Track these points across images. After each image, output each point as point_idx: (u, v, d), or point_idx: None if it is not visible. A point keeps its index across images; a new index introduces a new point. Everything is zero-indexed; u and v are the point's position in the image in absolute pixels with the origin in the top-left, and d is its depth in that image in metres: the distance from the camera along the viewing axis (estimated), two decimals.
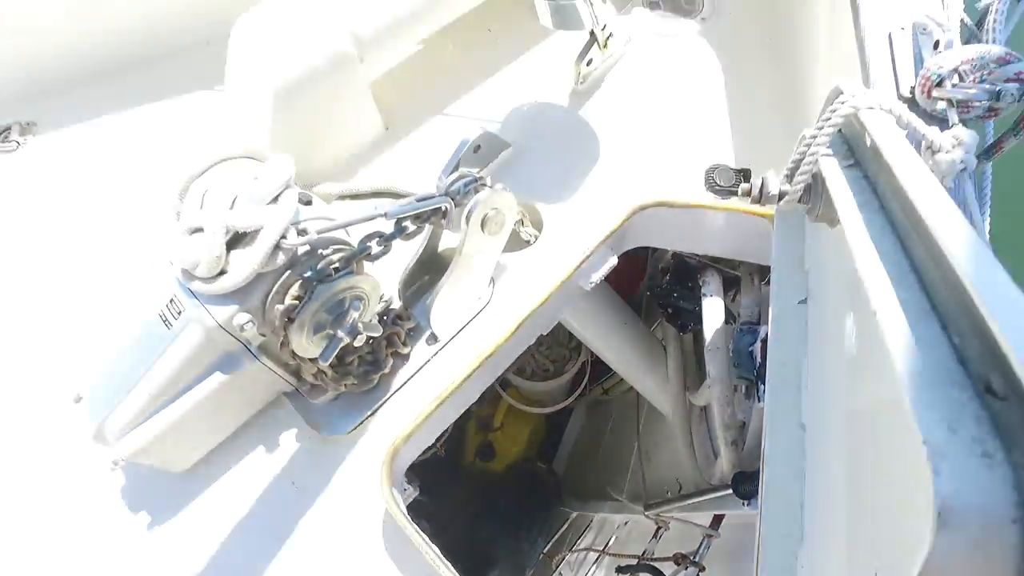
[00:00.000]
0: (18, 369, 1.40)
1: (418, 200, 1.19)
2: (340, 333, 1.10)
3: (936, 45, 0.97)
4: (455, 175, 1.26)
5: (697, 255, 1.62)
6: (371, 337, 1.17)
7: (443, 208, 1.21)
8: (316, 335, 1.12)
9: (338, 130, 1.52)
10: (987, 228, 1.34)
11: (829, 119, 0.83)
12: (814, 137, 0.85)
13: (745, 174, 1.49)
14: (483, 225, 1.25)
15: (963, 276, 0.49)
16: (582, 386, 3.08)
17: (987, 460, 0.41)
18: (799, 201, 0.89)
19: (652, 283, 1.83)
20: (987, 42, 1.36)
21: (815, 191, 0.87)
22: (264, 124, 1.38)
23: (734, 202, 1.43)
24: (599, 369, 2.97)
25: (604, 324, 1.83)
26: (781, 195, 0.89)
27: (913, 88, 0.98)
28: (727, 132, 1.57)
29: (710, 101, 1.62)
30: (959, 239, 0.51)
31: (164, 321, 1.10)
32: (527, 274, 1.38)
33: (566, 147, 1.55)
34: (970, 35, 1.57)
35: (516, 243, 1.41)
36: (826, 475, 0.90)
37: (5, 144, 1.84)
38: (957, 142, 0.81)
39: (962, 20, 1.20)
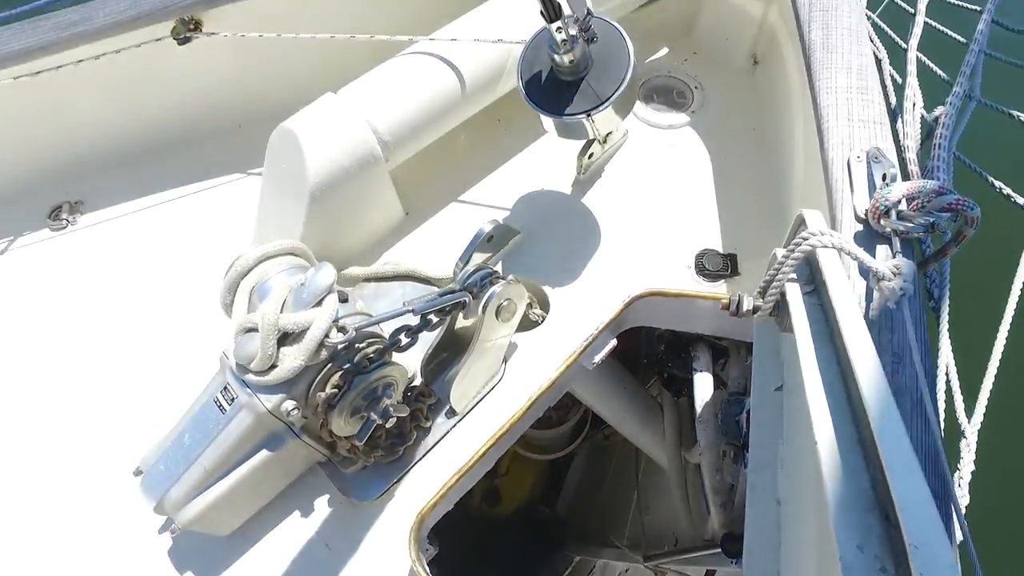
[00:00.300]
0: (76, 443, 1.55)
1: (440, 295, 1.36)
2: (374, 416, 1.26)
3: (884, 177, 1.14)
4: (472, 268, 1.43)
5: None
6: (400, 417, 1.33)
7: (463, 301, 1.37)
8: (352, 417, 1.27)
9: (364, 218, 1.69)
10: (946, 313, 1.51)
11: (794, 251, 0.99)
12: (782, 263, 1.02)
13: (731, 258, 1.67)
14: (497, 314, 1.42)
15: (872, 422, 0.64)
16: (583, 433, 3.22)
17: (883, 574, 0.56)
18: (770, 315, 1.05)
19: (648, 351, 1.99)
20: (936, 146, 1.56)
21: (783, 308, 1.04)
22: (299, 219, 1.55)
23: (721, 288, 1.60)
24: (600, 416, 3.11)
25: (605, 389, 1.99)
26: (755, 309, 1.06)
27: (867, 211, 1.15)
28: (715, 217, 1.74)
29: (700, 187, 1.80)
30: (873, 391, 0.67)
31: (219, 407, 1.25)
32: (536, 352, 1.54)
33: (570, 233, 1.72)
34: (928, 132, 1.76)
35: (526, 323, 1.57)
36: (798, 549, 1.05)
37: (56, 222, 2.02)
38: (897, 272, 0.98)
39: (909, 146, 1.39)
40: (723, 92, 1.99)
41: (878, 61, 2.07)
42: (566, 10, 1.28)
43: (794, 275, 1.01)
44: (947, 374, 1.47)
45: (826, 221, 1.18)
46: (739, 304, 1.06)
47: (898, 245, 1.08)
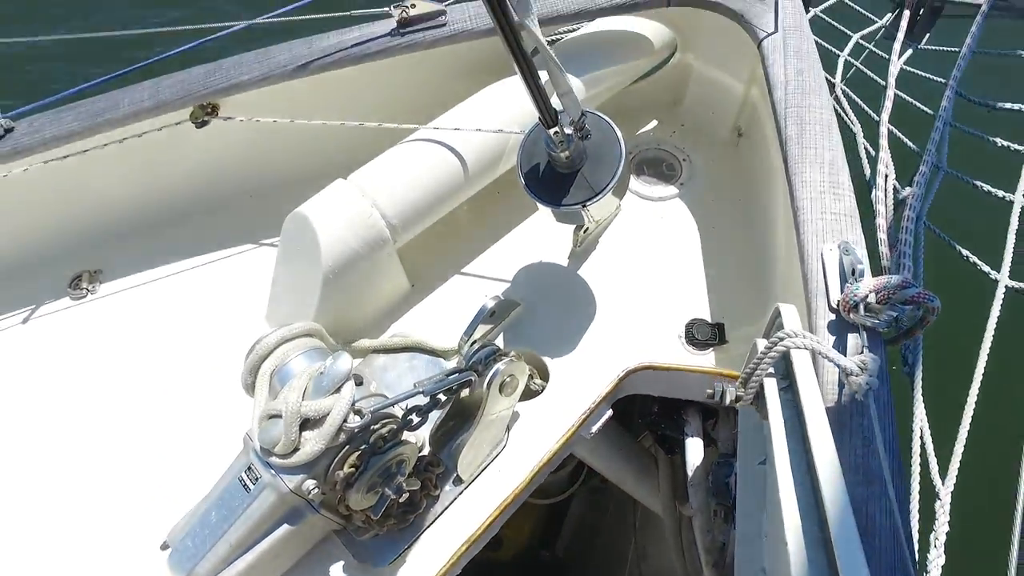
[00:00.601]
0: (102, 516, 1.63)
1: (448, 374, 1.46)
2: (388, 492, 1.35)
3: (853, 272, 1.26)
4: (477, 346, 1.54)
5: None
6: (412, 490, 1.42)
7: (470, 380, 1.48)
8: (368, 493, 1.36)
9: (372, 294, 1.80)
10: (919, 378, 1.61)
11: (771, 349, 1.10)
12: (761, 357, 1.13)
13: (719, 328, 1.78)
14: (501, 389, 1.52)
15: (832, 530, 0.75)
16: (581, 477, 3.29)
17: None
18: (751, 404, 1.16)
19: (642, 410, 2.09)
20: (906, 218, 1.68)
21: (762, 399, 1.14)
22: (313, 299, 1.66)
23: (710, 357, 1.71)
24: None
25: (601, 448, 2.07)
26: (737, 399, 1.16)
27: (839, 302, 1.26)
28: (703, 286, 1.86)
29: (689, 258, 1.91)
30: (833, 500, 0.78)
31: (244, 486, 1.35)
32: (537, 422, 1.64)
33: (567, 304, 1.83)
34: (900, 202, 1.89)
35: (527, 392, 1.67)
36: None
37: (76, 291, 2.11)
38: (864, 367, 1.09)
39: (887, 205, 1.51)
40: (710, 164, 2.12)
41: (852, 134, 2.22)
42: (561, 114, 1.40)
43: (772, 370, 1.12)
44: (921, 437, 1.57)
45: (802, 311, 1.30)
46: (722, 395, 1.16)
47: (866, 338, 1.19)
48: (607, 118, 1.52)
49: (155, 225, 2.19)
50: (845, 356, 1.18)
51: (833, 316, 1.27)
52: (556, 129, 1.36)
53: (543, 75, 1.31)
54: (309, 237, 1.63)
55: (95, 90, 1.95)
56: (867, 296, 1.20)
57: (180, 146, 2.02)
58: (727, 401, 1.16)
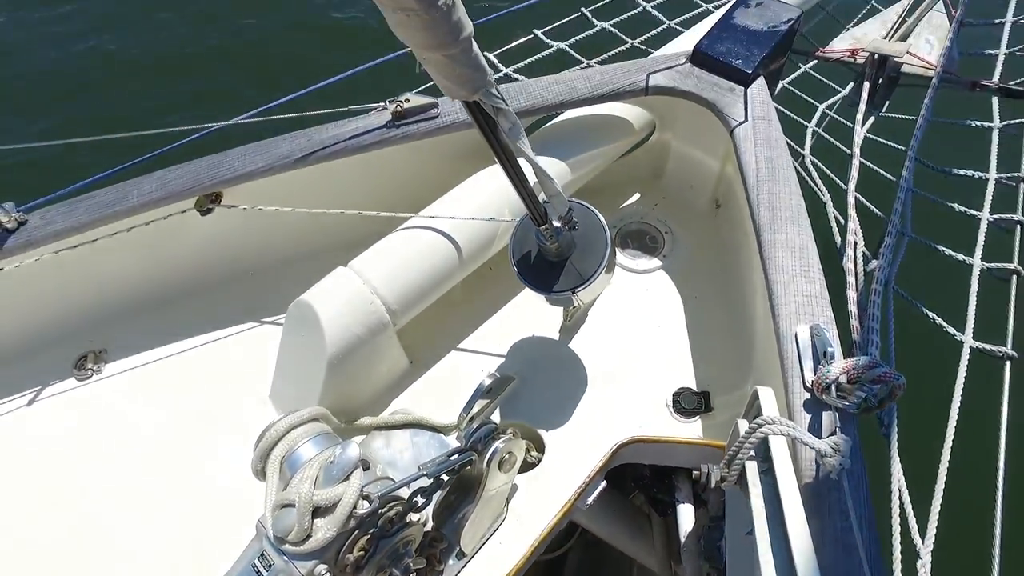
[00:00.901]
0: None
1: (449, 455, 1.54)
2: (396, 573, 1.42)
3: (825, 354, 1.36)
4: (476, 425, 1.62)
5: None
6: (418, 569, 1.48)
7: (470, 460, 1.55)
8: (378, 575, 1.43)
9: (373, 373, 1.88)
10: (895, 438, 1.71)
11: (751, 434, 1.19)
12: (742, 441, 1.22)
13: (705, 396, 1.87)
14: (500, 466, 1.60)
15: None
16: (578, 532, 3.33)
17: None
18: (735, 485, 1.24)
19: (635, 474, 2.16)
20: (874, 292, 1.79)
21: (744, 480, 1.23)
22: (318, 383, 1.74)
23: (697, 425, 1.80)
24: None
25: (596, 512, 2.14)
26: (723, 479, 1.25)
27: (813, 383, 1.36)
28: (688, 356, 1.96)
29: (674, 328, 2.02)
30: (805, 568, 0.86)
31: (257, 572, 1.40)
32: (535, 495, 1.71)
33: (560, 377, 1.92)
34: (867, 273, 2.00)
35: (524, 465, 1.75)
36: None
37: (82, 372, 2.17)
38: (836, 449, 1.19)
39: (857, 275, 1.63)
40: (690, 235, 2.24)
41: (823, 204, 2.36)
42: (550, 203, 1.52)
43: (753, 452, 1.21)
44: (900, 497, 1.66)
45: (779, 390, 1.40)
46: (708, 477, 1.25)
47: (838, 418, 1.29)
48: (593, 208, 1.63)
49: (158, 304, 2.26)
50: (821, 434, 1.29)
51: (808, 395, 1.37)
52: (546, 225, 1.47)
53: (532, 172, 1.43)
54: (313, 324, 1.71)
55: (104, 181, 2.05)
56: (838, 378, 1.30)
57: (185, 231, 2.11)
58: (713, 483, 1.24)
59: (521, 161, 1.25)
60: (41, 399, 2.12)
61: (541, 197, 1.48)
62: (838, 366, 1.31)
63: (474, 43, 0.91)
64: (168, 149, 2.08)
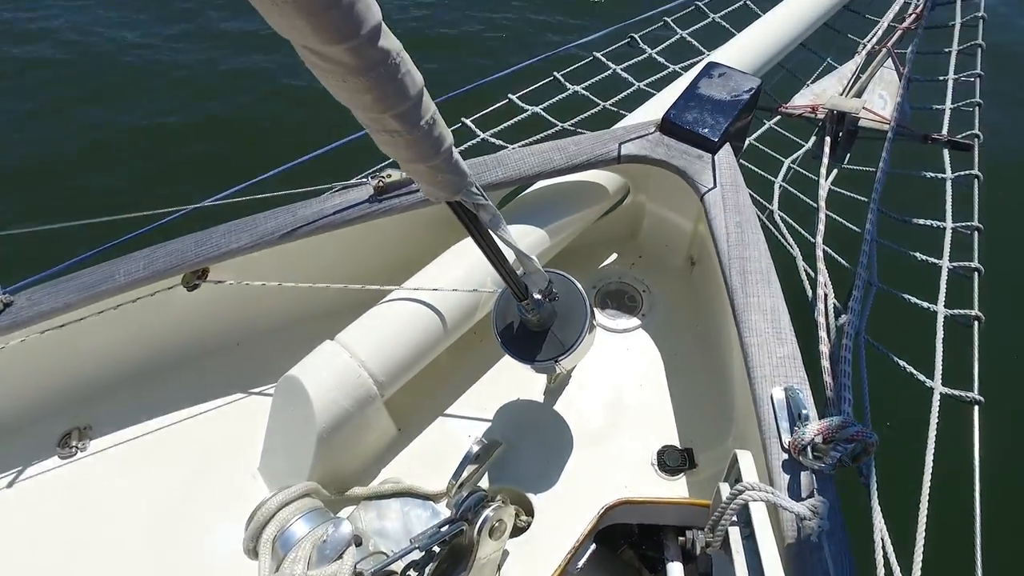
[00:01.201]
0: None
1: (440, 527, 1.55)
2: None
3: (799, 416, 1.42)
4: (465, 493, 1.64)
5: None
6: None
7: (461, 530, 1.57)
8: None
9: (362, 444, 1.90)
10: (874, 487, 1.76)
11: (733, 500, 1.24)
12: (725, 506, 1.26)
13: (688, 452, 1.91)
14: (491, 534, 1.62)
15: None
16: None
17: None
18: (719, 549, 1.28)
19: (624, 531, 2.18)
20: (843, 347, 1.86)
21: (727, 544, 1.27)
22: (308, 457, 1.75)
23: (682, 482, 1.84)
24: None
25: (589, 574, 2.16)
26: (708, 544, 1.29)
27: (790, 444, 1.42)
28: (670, 414, 2.01)
29: (655, 386, 2.07)
30: None
31: None
32: (526, 559, 1.73)
33: (546, 440, 1.95)
34: (838, 328, 2.07)
35: (514, 530, 1.76)
36: None
37: (65, 450, 2.15)
38: (815, 511, 1.23)
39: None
40: (668, 293, 2.31)
41: (792, 258, 2.46)
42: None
43: (735, 517, 1.26)
44: (883, 547, 1.70)
45: (758, 451, 1.45)
46: (693, 543, 1.29)
47: (815, 480, 1.34)
48: (572, 278, 1.69)
49: (144, 378, 2.26)
50: (800, 495, 1.33)
51: (786, 456, 1.42)
52: (527, 300, 1.53)
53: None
54: (303, 399, 1.74)
55: (90, 261, 2.08)
56: (813, 439, 1.36)
57: (171, 307, 2.14)
58: (698, 549, 1.28)
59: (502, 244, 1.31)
60: (23, 479, 2.10)
61: (521, 271, 1.55)
62: (812, 427, 1.37)
63: (454, 151, 0.97)
64: (152, 228, 2.13)
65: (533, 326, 1.65)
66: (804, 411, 1.41)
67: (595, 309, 2.26)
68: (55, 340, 2.05)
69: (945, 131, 3.09)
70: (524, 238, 2.07)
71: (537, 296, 1.58)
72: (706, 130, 2.03)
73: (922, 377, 2.09)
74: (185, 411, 2.20)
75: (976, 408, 2.03)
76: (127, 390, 2.25)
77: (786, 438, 1.43)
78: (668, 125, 2.07)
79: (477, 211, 1.15)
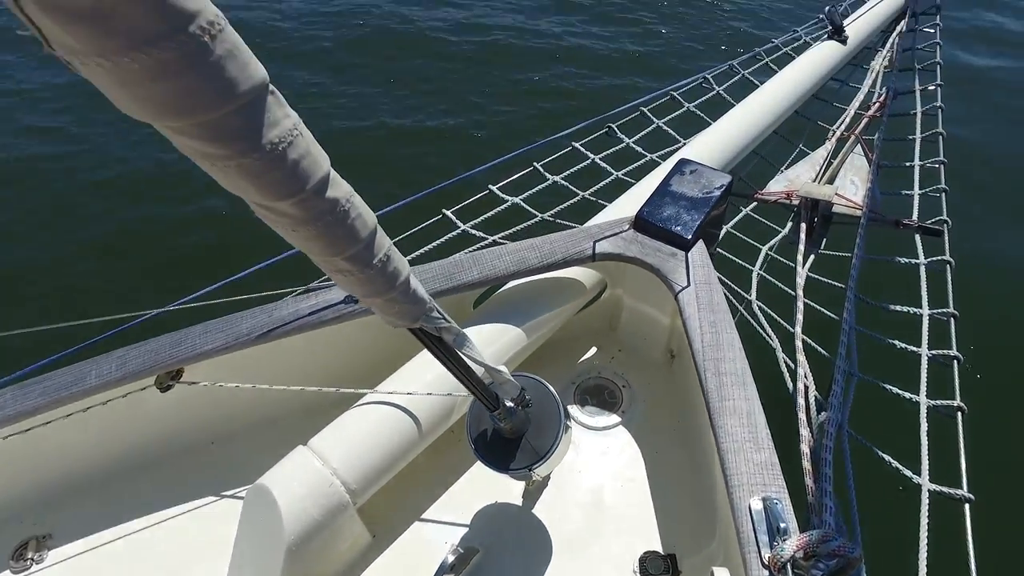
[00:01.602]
0: None
1: None
2: None
3: (778, 530, 1.38)
4: None
5: None
6: None
7: None
8: None
9: (335, 555, 1.83)
10: None
11: None
12: None
13: (672, 559, 1.84)
14: None
15: None
16: None
17: None
18: None
19: None
20: (824, 449, 1.82)
21: None
22: (275, 569, 1.68)
23: None
24: None
25: None
26: None
27: (769, 560, 1.37)
28: (652, 517, 1.95)
29: (636, 488, 2.02)
30: None
31: None
32: None
33: (524, 546, 1.88)
34: (819, 424, 2.03)
35: None
36: None
37: (19, 563, 2.03)
38: None
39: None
40: (648, 388, 2.29)
41: (772, 350, 2.45)
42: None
43: None
44: None
45: (737, 566, 1.39)
46: None
47: None
48: (546, 383, 1.67)
49: (112, 481, 2.18)
50: None
51: (767, 573, 1.36)
52: (498, 410, 1.50)
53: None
54: (272, 510, 1.68)
55: (60, 362, 2.04)
56: (793, 555, 1.31)
57: (143, 409, 2.09)
58: None
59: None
60: None
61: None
62: (792, 543, 1.32)
63: (412, 279, 0.97)
64: (122, 329, 2.11)
65: (506, 433, 1.62)
66: (783, 524, 1.37)
67: (575, 406, 2.24)
68: (17, 444, 1.98)
69: (915, 216, 3.15)
70: (501, 337, 2.06)
71: (509, 404, 1.55)
72: (679, 227, 2.06)
73: (909, 473, 2.05)
74: (154, 515, 2.11)
75: (967, 506, 1.98)
76: (92, 495, 2.16)
77: (766, 553, 1.38)
78: (642, 223, 2.11)
79: (440, 333, 1.14)
